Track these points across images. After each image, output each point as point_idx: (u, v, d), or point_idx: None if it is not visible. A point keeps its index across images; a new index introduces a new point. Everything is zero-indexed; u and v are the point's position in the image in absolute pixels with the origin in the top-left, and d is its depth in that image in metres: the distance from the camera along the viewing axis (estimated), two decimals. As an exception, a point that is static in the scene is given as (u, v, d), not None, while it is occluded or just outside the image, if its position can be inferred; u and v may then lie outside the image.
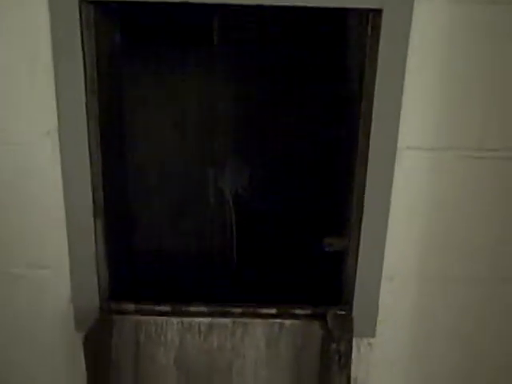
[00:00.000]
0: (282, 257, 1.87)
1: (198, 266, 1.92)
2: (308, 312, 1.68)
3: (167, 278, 1.86)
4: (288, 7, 1.39)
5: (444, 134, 1.51)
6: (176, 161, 1.89)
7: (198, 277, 1.88)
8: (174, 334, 1.67)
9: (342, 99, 1.70)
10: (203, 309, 1.68)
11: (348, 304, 1.67)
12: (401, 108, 1.47)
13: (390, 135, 1.49)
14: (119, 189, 1.82)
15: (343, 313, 1.66)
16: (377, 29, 1.43)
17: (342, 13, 1.59)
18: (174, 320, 1.67)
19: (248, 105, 1.84)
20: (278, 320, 1.67)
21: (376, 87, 1.46)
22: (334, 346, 1.60)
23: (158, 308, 1.68)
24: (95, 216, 1.58)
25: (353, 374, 1.67)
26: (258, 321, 1.67)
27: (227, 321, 1.67)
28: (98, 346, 1.61)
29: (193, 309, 1.68)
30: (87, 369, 1.55)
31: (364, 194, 1.55)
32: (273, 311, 1.68)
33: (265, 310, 1.68)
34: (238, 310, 1.68)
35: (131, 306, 1.67)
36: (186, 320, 1.67)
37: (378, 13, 1.42)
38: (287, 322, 1.67)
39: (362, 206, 1.56)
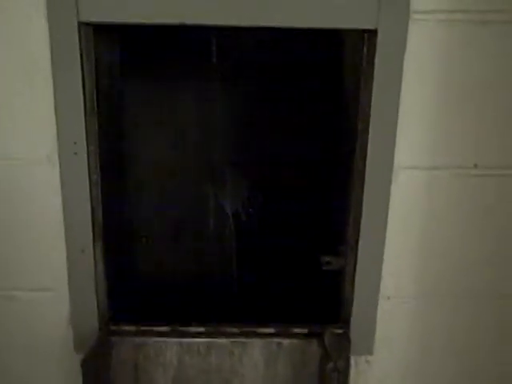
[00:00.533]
0: (280, 276, 1.88)
1: (196, 287, 1.92)
2: (306, 331, 1.69)
3: (166, 299, 1.85)
4: (284, 28, 1.42)
5: (440, 152, 1.53)
6: (175, 180, 1.89)
7: (197, 297, 1.88)
8: (173, 355, 1.67)
9: (339, 119, 1.72)
10: (201, 329, 1.68)
11: (346, 322, 1.68)
12: (396, 127, 1.49)
13: (387, 155, 1.51)
14: (118, 209, 1.82)
15: (341, 331, 1.67)
16: (372, 49, 1.45)
17: (338, 33, 1.62)
18: (173, 341, 1.66)
19: (247, 122, 1.85)
20: (276, 339, 1.67)
21: (372, 107, 1.47)
22: (331, 364, 1.60)
23: (156, 329, 1.68)
24: (94, 238, 1.58)
25: (352, 392, 1.68)
26: (256, 340, 1.67)
27: (225, 341, 1.67)
28: (97, 367, 1.60)
29: (191, 329, 1.68)
30: (86, 391, 1.55)
31: (361, 213, 1.56)
32: (271, 330, 1.69)
33: (263, 330, 1.69)
34: (236, 330, 1.69)
35: (130, 328, 1.68)
36: (185, 341, 1.67)
37: (373, 33, 1.44)
38: (285, 341, 1.67)
39: (359, 225, 1.57)
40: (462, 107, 1.50)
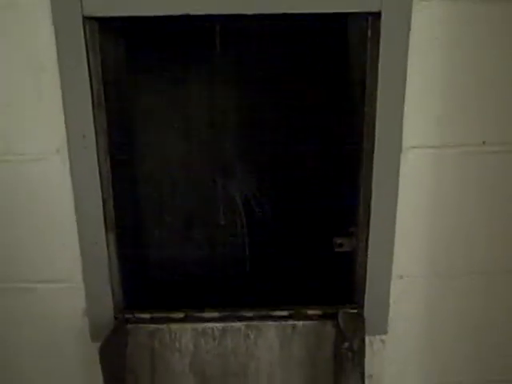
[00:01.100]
0: (293, 258, 1.88)
1: (209, 272, 1.93)
2: (320, 312, 1.70)
3: (180, 285, 1.86)
4: (288, 14, 1.41)
5: (448, 130, 1.52)
6: (185, 169, 1.89)
7: (210, 282, 1.89)
8: (189, 340, 1.68)
9: (347, 102, 1.71)
10: (216, 314, 1.70)
11: (359, 303, 1.69)
12: (404, 108, 1.49)
13: (395, 135, 1.51)
14: (130, 200, 1.83)
15: (355, 311, 1.68)
16: (376, 32, 1.45)
17: (342, 19, 1.61)
18: (188, 326, 1.68)
19: (254, 109, 1.85)
20: (291, 321, 1.69)
21: (378, 89, 1.47)
22: (346, 344, 1.62)
23: (171, 315, 1.70)
24: (107, 228, 1.59)
25: (368, 372, 1.69)
26: (271, 323, 1.68)
27: (240, 325, 1.68)
28: (114, 355, 1.62)
29: (206, 314, 1.70)
30: (104, 378, 1.56)
31: (371, 194, 1.56)
32: (285, 313, 1.70)
33: (277, 313, 1.70)
34: (251, 314, 1.70)
35: (145, 315, 1.69)
36: (200, 326, 1.68)
37: (376, 16, 1.43)
38: (300, 323, 1.68)
39: (370, 206, 1.58)
40: (469, 85, 1.49)
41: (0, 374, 1.75)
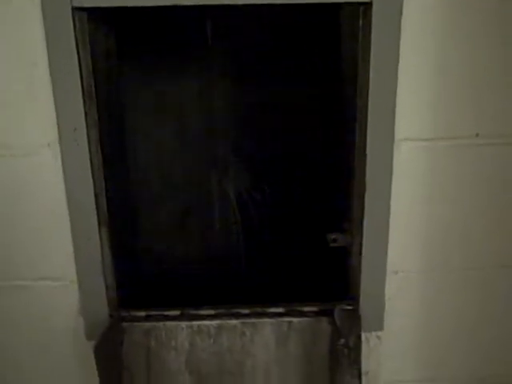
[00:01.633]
0: (287, 255, 1.88)
1: (204, 269, 1.93)
2: (316, 309, 1.69)
3: (174, 283, 1.86)
4: (280, 4, 1.41)
5: (441, 123, 1.52)
6: (179, 165, 1.90)
7: (205, 280, 1.89)
8: (184, 338, 1.68)
9: (339, 96, 1.71)
10: (212, 311, 1.69)
11: (355, 299, 1.68)
12: (396, 99, 1.48)
13: (387, 128, 1.50)
14: (123, 195, 1.82)
15: (350, 308, 1.67)
16: (368, 22, 1.44)
17: (333, 8, 1.61)
18: (184, 324, 1.67)
19: (247, 106, 1.85)
20: (286, 318, 1.68)
21: (370, 80, 1.46)
22: (342, 341, 1.61)
23: (166, 313, 1.69)
24: (100, 224, 1.59)
25: (364, 368, 1.68)
26: (267, 320, 1.68)
27: (236, 322, 1.68)
28: (110, 353, 1.62)
29: (201, 312, 1.69)
30: (100, 376, 1.55)
31: (365, 188, 1.56)
32: (280, 310, 1.69)
33: (272, 309, 1.70)
34: (246, 311, 1.69)
35: (140, 313, 1.69)
36: (195, 323, 1.67)
37: (368, 5, 1.43)
38: (295, 319, 1.68)
39: (364, 201, 1.57)
40: (462, 76, 1.49)
41: (-5, 372, 1.75)
